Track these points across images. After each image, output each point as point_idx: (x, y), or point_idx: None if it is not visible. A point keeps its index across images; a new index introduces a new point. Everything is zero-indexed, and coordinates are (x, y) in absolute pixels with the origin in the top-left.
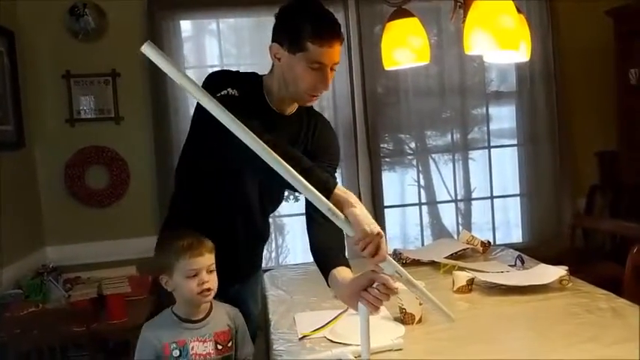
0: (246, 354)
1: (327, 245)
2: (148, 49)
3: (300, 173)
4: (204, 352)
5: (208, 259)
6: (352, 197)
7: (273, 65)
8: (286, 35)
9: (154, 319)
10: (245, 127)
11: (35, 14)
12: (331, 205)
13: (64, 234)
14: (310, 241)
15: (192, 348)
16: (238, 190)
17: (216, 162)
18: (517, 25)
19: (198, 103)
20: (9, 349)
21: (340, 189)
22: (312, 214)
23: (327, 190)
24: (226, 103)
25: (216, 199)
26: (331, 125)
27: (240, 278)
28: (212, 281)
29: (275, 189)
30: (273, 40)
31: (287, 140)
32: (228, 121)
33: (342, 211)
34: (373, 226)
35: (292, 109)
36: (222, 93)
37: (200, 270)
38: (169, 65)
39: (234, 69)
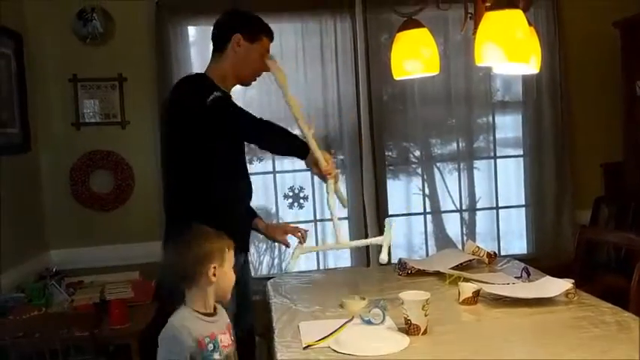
0: None
1: None
2: None
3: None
4: (227, 343)
5: None
6: None
7: (216, 56)
8: (247, 28)
9: (176, 318)
10: None
11: (43, 18)
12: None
13: (68, 238)
14: None
15: (221, 340)
16: (243, 176)
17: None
18: (528, 38)
19: (169, 121)
20: (11, 353)
21: None
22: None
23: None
24: (223, 101)
25: (227, 188)
26: None
27: (247, 247)
28: None
29: None
30: (234, 32)
31: None
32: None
33: None
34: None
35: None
36: (213, 96)
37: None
38: None
39: None
